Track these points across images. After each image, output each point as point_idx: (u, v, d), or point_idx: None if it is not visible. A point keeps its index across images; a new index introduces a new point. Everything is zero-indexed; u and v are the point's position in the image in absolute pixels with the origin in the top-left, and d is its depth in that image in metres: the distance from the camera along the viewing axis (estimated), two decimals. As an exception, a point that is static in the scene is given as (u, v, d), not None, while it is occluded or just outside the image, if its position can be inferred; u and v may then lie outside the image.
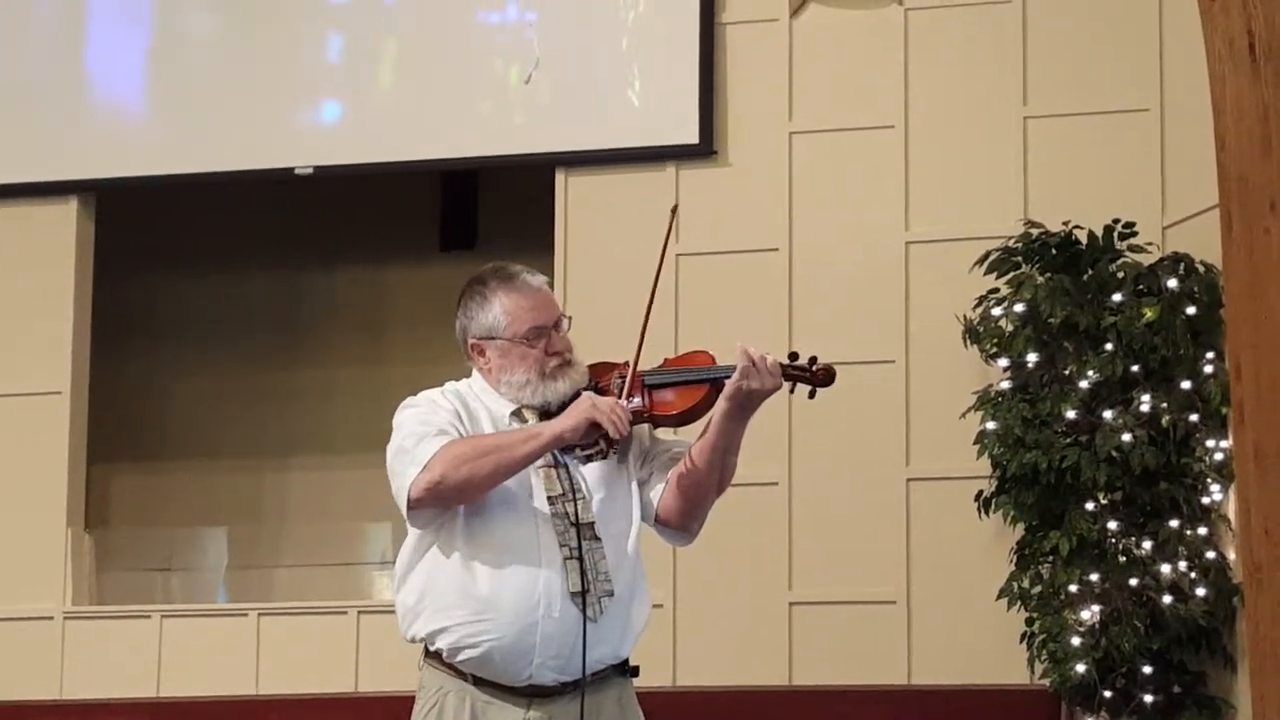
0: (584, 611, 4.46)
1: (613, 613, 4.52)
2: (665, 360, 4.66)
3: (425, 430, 4.51)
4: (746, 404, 4.49)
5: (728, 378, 4.48)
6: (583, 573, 4.47)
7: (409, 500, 4.46)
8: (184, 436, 11.47)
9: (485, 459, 4.41)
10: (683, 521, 4.64)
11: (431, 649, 4.57)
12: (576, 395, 4.59)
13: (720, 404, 4.50)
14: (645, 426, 4.68)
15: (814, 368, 4.53)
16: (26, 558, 9.87)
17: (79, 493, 10.08)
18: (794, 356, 4.56)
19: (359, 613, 9.56)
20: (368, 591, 10.37)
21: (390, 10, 10.00)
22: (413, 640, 4.61)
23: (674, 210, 4.70)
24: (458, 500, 4.46)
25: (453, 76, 9.82)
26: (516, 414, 4.63)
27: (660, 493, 4.63)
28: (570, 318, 4.70)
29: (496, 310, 4.63)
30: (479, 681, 4.52)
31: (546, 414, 4.60)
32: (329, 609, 9.71)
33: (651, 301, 4.60)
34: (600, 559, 4.51)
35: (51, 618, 9.82)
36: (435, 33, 9.88)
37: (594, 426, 4.38)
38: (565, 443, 4.42)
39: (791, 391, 4.56)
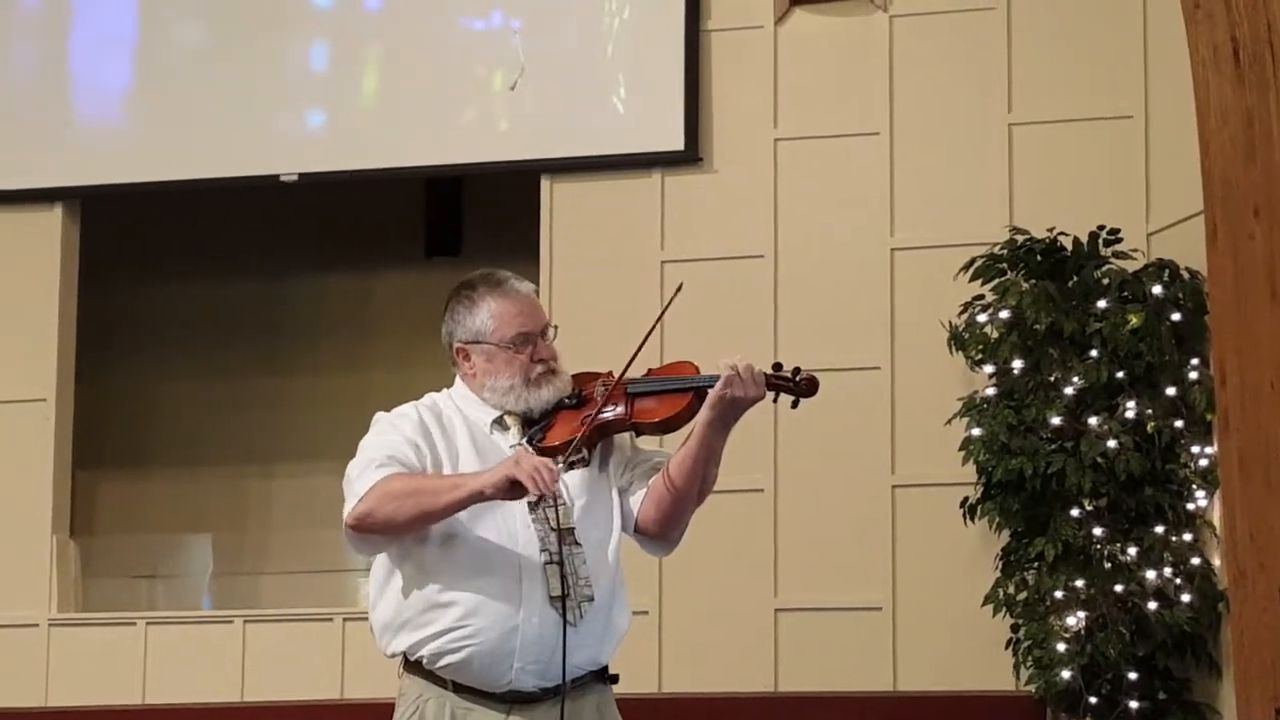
0: (564, 616, 4.46)
1: (593, 618, 4.52)
2: (649, 370, 4.66)
3: (374, 458, 4.53)
4: (729, 413, 4.49)
5: (710, 387, 4.48)
6: (563, 577, 4.47)
7: (345, 528, 4.52)
8: (169, 443, 11.45)
9: (409, 500, 4.42)
10: (662, 530, 4.64)
11: (412, 659, 4.56)
12: (560, 404, 4.60)
13: (703, 413, 4.50)
14: (628, 435, 4.68)
15: (797, 378, 4.54)
16: (11, 565, 9.85)
17: (64, 500, 10.06)
18: (778, 367, 4.57)
19: (344, 619, 9.55)
20: (353, 598, 10.36)
21: (374, 17, 9.99)
22: (392, 656, 4.61)
23: (679, 288, 4.68)
24: (386, 534, 4.49)
25: (437, 83, 9.81)
26: (498, 421, 4.63)
27: (640, 500, 4.63)
28: (557, 327, 4.70)
29: (484, 315, 4.64)
30: (459, 688, 4.51)
31: (529, 421, 4.60)
32: (314, 616, 9.70)
33: (639, 349, 4.60)
34: (580, 564, 4.50)
35: (36, 625, 9.80)
36: (419, 40, 9.87)
37: (514, 484, 4.35)
38: (485, 498, 4.39)
39: (775, 401, 4.56)
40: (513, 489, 4.35)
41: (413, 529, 4.47)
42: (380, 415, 4.67)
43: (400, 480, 4.46)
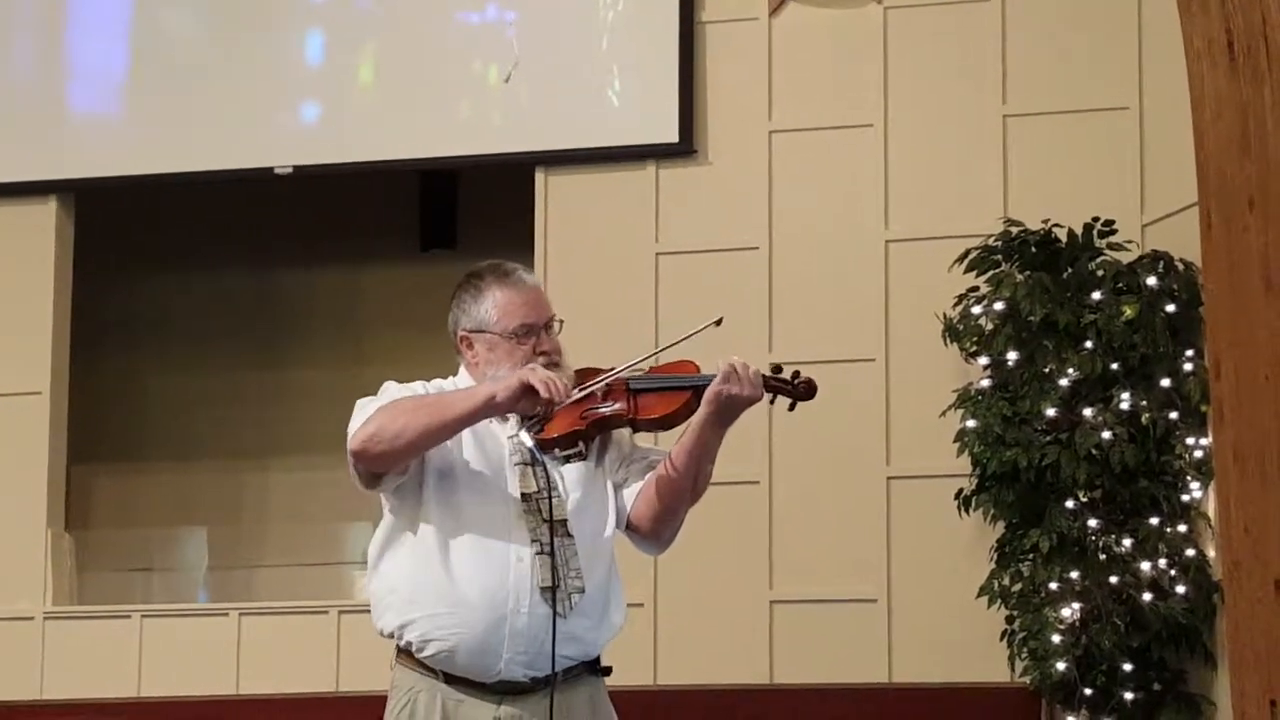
0: (554, 607, 4.47)
1: (584, 610, 4.54)
2: (651, 368, 4.68)
3: (379, 399, 4.55)
4: (726, 411, 4.50)
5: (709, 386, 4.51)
6: (554, 568, 4.48)
7: (349, 452, 4.48)
8: (164, 437, 11.45)
9: (419, 412, 4.42)
10: (654, 528, 4.65)
11: (401, 645, 4.58)
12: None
13: (700, 410, 4.52)
14: (626, 432, 4.70)
15: (795, 381, 4.56)
16: (6, 558, 9.85)
17: (59, 493, 10.06)
18: (777, 369, 4.59)
19: (339, 612, 9.55)
20: (348, 591, 10.36)
21: (369, 10, 9.99)
22: (382, 634, 4.63)
23: (718, 321, 4.70)
24: (391, 454, 4.44)
25: (432, 76, 9.81)
26: (497, 411, 4.64)
27: (634, 496, 4.64)
28: (562, 321, 4.72)
29: (488, 304, 4.67)
30: (450, 679, 4.53)
31: (527, 414, 4.61)
32: (309, 609, 9.70)
33: (651, 355, 4.61)
34: (572, 555, 4.52)
35: (32, 618, 9.80)
36: (414, 33, 9.87)
37: (527, 389, 4.36)
38: (497, 405, 4.40)
39: (772, 402, 4.59)
40: (526, 395, 4.35)
41: (423, 445, 4.45)
42: (389, 382, 4.68)
43: (407, 399, 4.48)
